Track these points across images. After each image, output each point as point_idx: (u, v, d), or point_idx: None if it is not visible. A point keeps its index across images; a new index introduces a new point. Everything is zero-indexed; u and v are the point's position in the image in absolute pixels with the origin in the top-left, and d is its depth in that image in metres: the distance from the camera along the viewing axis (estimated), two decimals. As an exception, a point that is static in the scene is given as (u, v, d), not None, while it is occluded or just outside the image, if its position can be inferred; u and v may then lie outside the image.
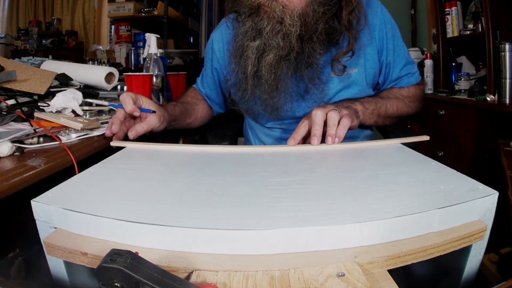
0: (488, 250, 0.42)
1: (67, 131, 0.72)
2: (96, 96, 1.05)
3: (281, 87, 0.77)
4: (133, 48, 2.77)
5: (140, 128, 0.72)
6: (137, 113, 0.72)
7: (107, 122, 0.85)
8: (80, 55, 3.46)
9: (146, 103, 0.75)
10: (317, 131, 0.65)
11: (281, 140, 0.91)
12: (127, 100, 0.71)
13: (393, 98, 0.88)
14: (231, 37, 0.86)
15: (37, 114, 0.76)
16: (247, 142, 1.04)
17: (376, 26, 0.84)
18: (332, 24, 0.75)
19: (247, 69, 0.76)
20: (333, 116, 0.66)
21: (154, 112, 0.74)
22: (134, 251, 0.27)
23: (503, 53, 1.52)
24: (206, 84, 1.00)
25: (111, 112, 0.97)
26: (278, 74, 0.75)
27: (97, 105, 0.81)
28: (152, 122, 0.74)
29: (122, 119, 0.72)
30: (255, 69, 0.75)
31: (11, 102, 0.81)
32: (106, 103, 0.68)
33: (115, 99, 1.12)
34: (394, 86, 0.91)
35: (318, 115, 0.66)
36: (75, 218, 0.37)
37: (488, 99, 1.66)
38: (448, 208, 0.38)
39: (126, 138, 0.72)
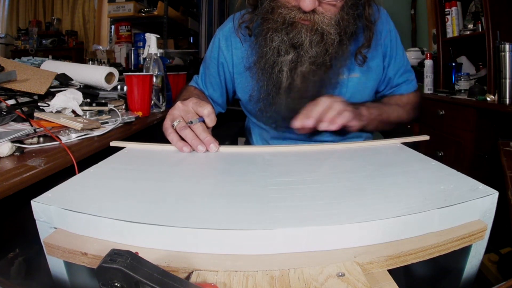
0: (488, 250, 0.42)
1: (67, 131, 0.72)
2: (96, 96, 1.04)
3: (310, 92, 0.77)
4: (133, 48, 2.77)
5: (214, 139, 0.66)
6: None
7: (107, 122, 0.85)
8: (80, 55, 3.45)
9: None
10: (313, 112, 0.67)
11: (285, 139, 0.91)
12: (213, 116, 0.68)
13: (395, 104, 0.89)
14: (239, 45, 0.86)
15: (37, 114, 0.76)
16: (249, 139, 1.04)
17: (382, 33, 0.85)
18: (358, 23, 0.75)
19: (282, 84, 0.75)
20: (338, 104, 0.68)
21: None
22: (134, 251, 0.27)
23: (503, 53, 1.52)
24: (210, 84, 0.95)
25: (111, 112, 0.97)
26: (311, 81, 0.75)
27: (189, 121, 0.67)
28: (211, 130, 0.71)
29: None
30: (289, 81, 0.74)
31: (11, 102, 0.81)
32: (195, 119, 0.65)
33: (115, 99, 1.12)
34: (393, 92, 0.92)
35: (323, 101, 0.68)
36: (75, 218, 0.37)
37: (488, 99, 1.66)
38: (448, 208, 0.38)
39: (126, 139, 0.72)
